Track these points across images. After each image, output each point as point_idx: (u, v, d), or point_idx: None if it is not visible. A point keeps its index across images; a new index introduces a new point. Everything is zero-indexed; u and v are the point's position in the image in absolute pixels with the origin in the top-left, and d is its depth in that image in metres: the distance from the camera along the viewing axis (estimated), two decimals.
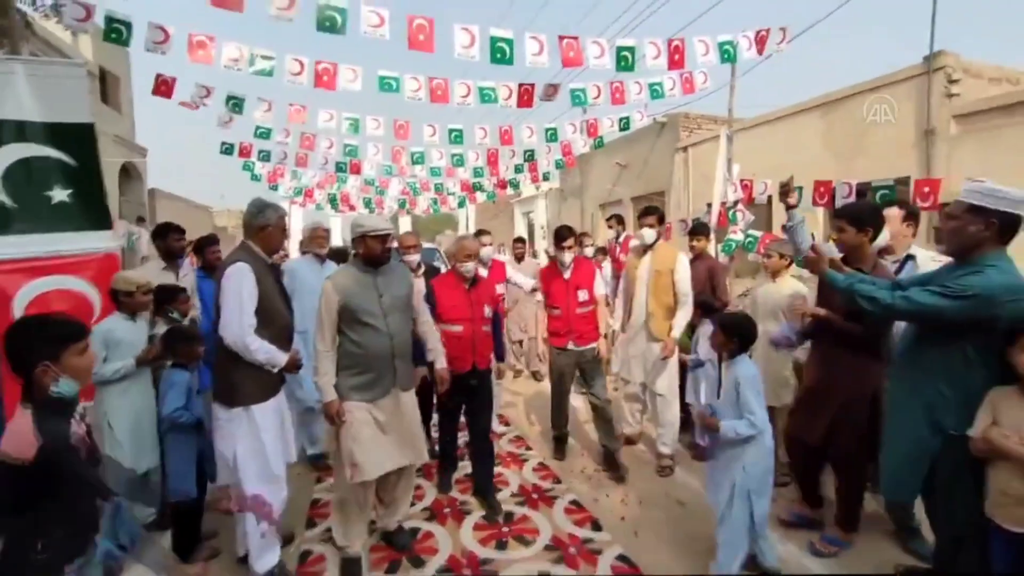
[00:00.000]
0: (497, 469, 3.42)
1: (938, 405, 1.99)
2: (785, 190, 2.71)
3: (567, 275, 3.50)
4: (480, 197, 10.37)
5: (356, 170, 6.84)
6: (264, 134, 5.46)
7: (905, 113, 6.76)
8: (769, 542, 2.37)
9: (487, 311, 3.12)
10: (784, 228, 2.75)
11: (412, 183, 8.60)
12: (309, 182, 8.50)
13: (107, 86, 13.44)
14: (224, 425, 2.33)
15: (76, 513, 1.38)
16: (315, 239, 3.73)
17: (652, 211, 3.47)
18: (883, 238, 2.73)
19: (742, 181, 4.86)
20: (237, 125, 5.31)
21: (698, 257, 3.98)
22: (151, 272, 3.25)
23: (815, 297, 2.78)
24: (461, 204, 11.44)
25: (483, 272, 3.97)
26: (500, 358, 3.24)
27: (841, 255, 2.45)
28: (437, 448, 3.51)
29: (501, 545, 2.70)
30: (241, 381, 2.29)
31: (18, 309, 2.80)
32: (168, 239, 3.36)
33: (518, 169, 8.02)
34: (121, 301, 2.70)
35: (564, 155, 7.02)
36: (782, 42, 4.12)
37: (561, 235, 3.50)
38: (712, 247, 4.69)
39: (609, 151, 12.87)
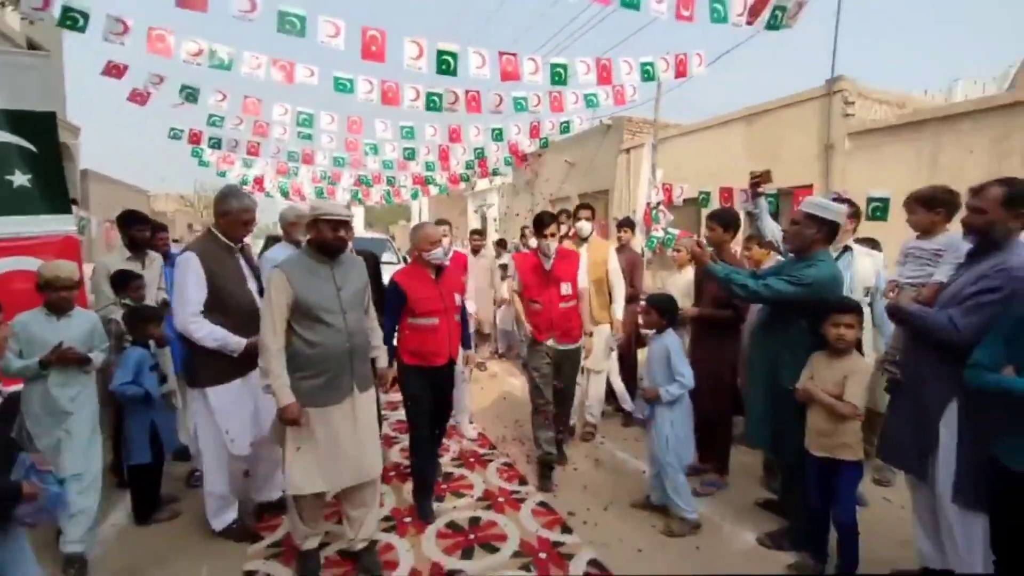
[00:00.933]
0: (460, 471, 3.38)
1: (780, 368, 2.58)
2: (757, 181, 2.88)
3: (548, 266, 3.21)
4: (433, 190, 10.69)
5: (308, 160, 7.02)
6: (216, 122, 5.56)
7: (810, 129, 7.65)
8: (686, 491, 2.74)
9: (458, 299, 2.94)
10: (749, 214, 2.98)
11: (364, 176, 8.80)
12: (260, 170, 8.53)
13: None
14: (189, 403, 2.61)
15: None
16: (297, 225, 3.39)
17: (586, 207, 3.84)
18: None
19: (664, 185, 5.47)
20: (187, 112, 5.40)
21: (621, 248, 4.50)
22: (115, 261, 3.25)
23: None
24: (414, 196, 11.70)
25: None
26: (468, 346, 3.05)
27: (711, 249, 3.02)
28: (407, 459, 3.18)
29: (467, 553, 2.52)
30: (198, 364, 2.44)
31: None
32: (131, 229, 3.30)
33: (468, 165, 8.40)
34: (48, 296, 2.43)
35: (511, 153, 7.48)
36: (700, 65, 4.72)
37: (543, 221, 3.19)
38: (638, 244, 5.29)
39: (559, 149, 13.47)
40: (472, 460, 3.57)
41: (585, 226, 3.83)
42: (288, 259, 2.28)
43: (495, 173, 9.12)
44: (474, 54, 3.59)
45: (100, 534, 2.59)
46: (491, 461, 3.55)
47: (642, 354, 4.11)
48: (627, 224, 4.61)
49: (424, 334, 2.79)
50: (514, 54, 3.71)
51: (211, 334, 2.39)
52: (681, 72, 4.55)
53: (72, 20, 3.37)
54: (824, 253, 2.54)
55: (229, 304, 2.45)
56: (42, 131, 3.12)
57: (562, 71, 3.96)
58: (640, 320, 3.07)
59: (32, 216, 3.10)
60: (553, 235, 3.17)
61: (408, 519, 2.82)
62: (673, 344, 2.76)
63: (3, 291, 2.86)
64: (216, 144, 6.62)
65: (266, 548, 2.58)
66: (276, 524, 2.76)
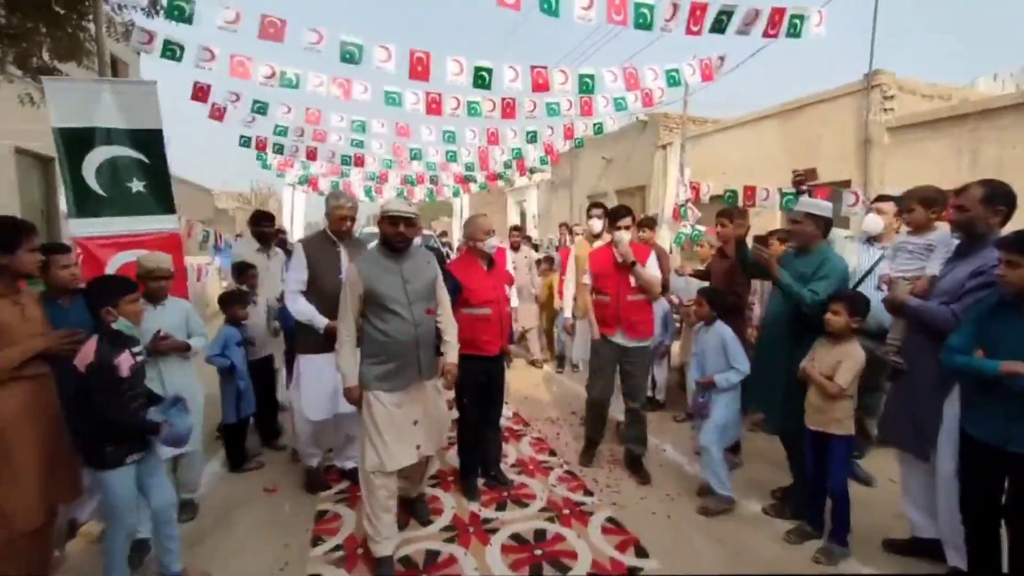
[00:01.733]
0: (519, 478, 3.25)
1: (792, 352, 2.79)
2: (801, 178, 3.06)
3: (620, 258, 3.19)
4: (473, 188, 11.21)
5: (360, 163, 7.67)
6: (281, 131, 6.25)
7: (848, 124, 7.62)
8: (724, 470, 2.89)
9: (506, 290, 3.10)
10: (790, 217, 3.00)
11: (409, 176, 9.42)
12: (315, 171, 9.30)
13: (117, 71, 14.07)
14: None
15: (124, 421, 2.02)
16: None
17: (598, 205, 4.12)
18: (878, 227, 3.26)
19: (691, 183, 5.72)
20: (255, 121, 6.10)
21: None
22: (246, 253, 3.93)
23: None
24: (456, 193, 12.27)
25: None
26: (511, 340, 3.13)
27: (721, 244, 3.32)
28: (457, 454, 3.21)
29: (536, 568, 2.44)
30: (297, 333, 3.00)
31: (111, 271, 3.63)
32: (259, 226, 3.97)
33: (507, 164, 8.84)
34: (144, 286, 2.61)
35: (546, 153, 7.87)
36: (721, 67, 4.96)
37: (617, 213, 3.25)
38: (666, 239, 5.57)
39: (596, 146, 13.69)
40: (532, 467, 3.44)
41: (596, 223, 4.03)
42: (364, 255, 2.52)
43: (532, 171, 9.52)
44: (508, 68, 4.02)
45: (204, 477, 3.16)
46: (551, 470, 3.38)
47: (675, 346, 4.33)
48: (646, 223, 4.87)
49: (478, 323, 2.87)
50: (544, 67, 4.11)
51: (301, 310, 2.83)
52: (707, 75, 4.81)
53: (171, 51, 4.02)
54: (824, 245, 2.81)
55: (323, 289, 2.83)
56: (153, 145, 3.77)
57: (590, 80, 4.32)
58: (692, 312, 3.11)
59: (147, 216, 3.76)
60: (628, 227, 3.19)
61: (471, 529, 2.74)
62: (727, 334, 2.91)
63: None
64: (279, 150, 7.36)
65: (335, 494, 3.07)
66: (334, 528, 2.80)
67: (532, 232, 17.59)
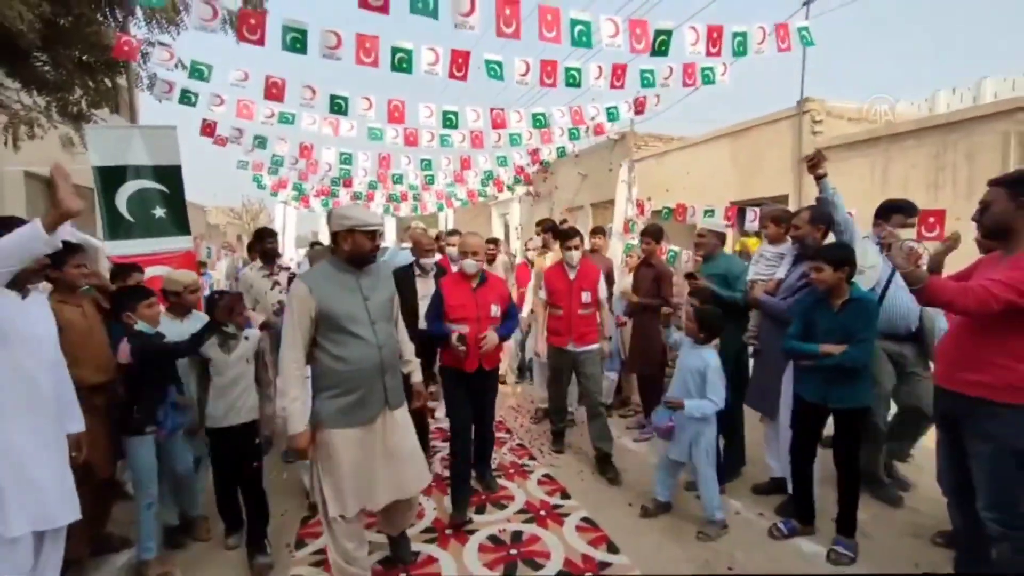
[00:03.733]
0: (530, 529, 3.00)
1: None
2: (814, 161, 2.86)
3: (572, 276, 3.58)
4: (456, 203, 12.04)
5: (348, 184, 8.48)
6: (278, 161, 7.03)
7: (785, 145, 8.56)
8: (716, 493, 2.85)
9: (494, 311, 2.98)
10: (819, 200, 2.92)
11: (394, 194, 10.24)
12: (306, 190, 10.09)
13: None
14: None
15: (156, 389, 2.47)
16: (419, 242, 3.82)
17: (543, 221, 4.91)
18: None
19: (637, 200, 6.56)
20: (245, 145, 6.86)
21: (595, 251, 5.35)
22: (251, 276, 3.92)
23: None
24: (440, 208, 13.09)
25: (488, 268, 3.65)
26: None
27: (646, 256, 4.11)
28: (447, 470, 3.21)
29: (511, 568, 2.52)
30: None
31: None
32: (264, 243, 3.97)
33: (483, 183, 9.70)
34: (171, 302, 2.82)
35: (517, 173, 8.72)
36: (657, 104, 5.83)
37: (567, 234, 3.58)
38: (616, 250, 6.34)
39: (574, 162, 14.62)
40: (512, 472, 3.59)
41: (537, 240, 4.83)
42: (312, 269, 2.31)
43: (510, 188, 10.39)
44: (471, 111, 4.84)
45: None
46: (531, 472, 3.56)
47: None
48: (599, 232, 5.45)
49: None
50: (502, 108, 4.94)
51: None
52: (640, 111, 5.68)
53: (188, 99, 4.80)
54: (721, 251, 3.71)
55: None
56: (173, 179, 4.51)
57: (542, 118, 5.15)
58: (683, 326, 3.05)
59: (168, 237, 4.49)
60: (577, 247, 3.53)
61: (450, 531, 2.84)
62: (713, 361, 2.79)
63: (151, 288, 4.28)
64: (274, 171, 8.13)
65: (310, 555, 2.68)
66: (319, 532, 2.74)
67: (515, 243, 18.46)
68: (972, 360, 2.07)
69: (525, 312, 4.57)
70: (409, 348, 2.50)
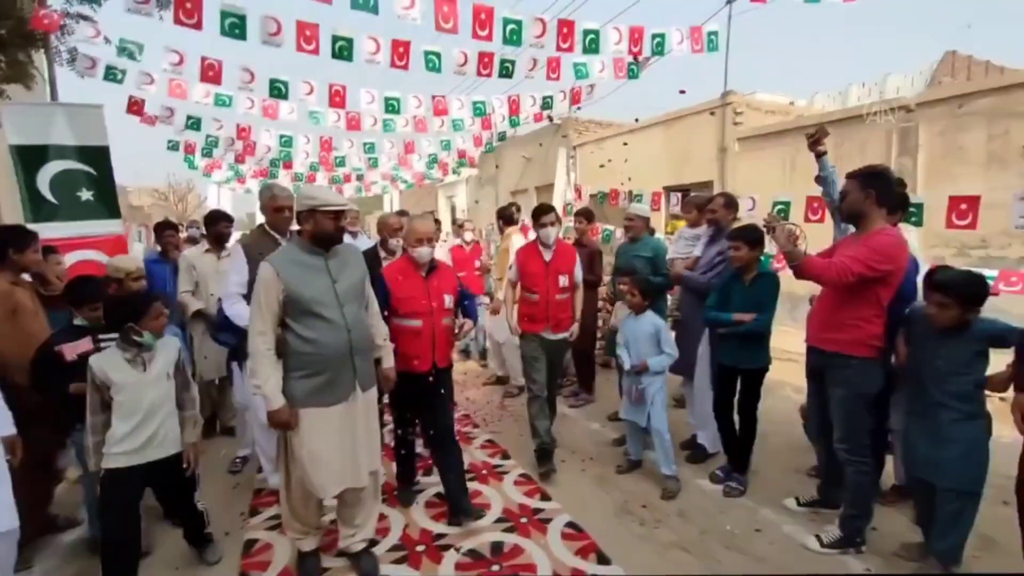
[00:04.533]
0: (473, 486, 3.06)
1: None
2: (816, 138, 2.77)
3: (548, 257, 3.26)
4: (401, 185, 12.00)
5: (288, 166, 8.29)
6: (214, 143, 6.80)
7: (710, 134, 9.22)
8: (670, 452, 3.10)
9: (447, 301, 2.73)
10: (817, 179, 2.86)
11: (336, 176, 10.09)
12: (243, 172, 9.74)
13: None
14: (238, 382, 3.22)
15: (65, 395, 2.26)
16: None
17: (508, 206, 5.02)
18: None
19: (576, 186, 6.94)
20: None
21: (580, 240, 5.50)
22: (195, 254, 3.76)
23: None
24: (385, 191, 12.98)
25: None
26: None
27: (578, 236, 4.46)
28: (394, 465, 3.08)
29: None
30: (241, 340, 2.57)
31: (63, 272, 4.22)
32: (218, 225, 3.77)
33: (429, 165, 9.77)
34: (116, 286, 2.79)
35: (460, 156, 8.87)
36: (591, 93, 6.17)
37: (539, 211, 3.25)
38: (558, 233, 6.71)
39: (518, 145, 14.82)
40: (485, 473, 3.37)
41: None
42: (279, 251, 2.20)
43: (455, 172, 10.50)
44: (413, 97, 4.96)
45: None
46: (506, 473, 3.35)
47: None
48: (585, 215, 4.94)
49: (405, 336, 2.63)
50: (444, 96, 5.10)
51: (240, 312, 2.58)
52: (576, 101, 6.00)
53: (113, 76, 4.62)
54: (646, 234, 4.12)
55: None
56: (100, 159, 4.36)
57: (482, 106, 5.35)
58: (627, 300, 3.21)
59: (95, 220, 4.34)
60: (552, 224, 3.21)
61: (421, 547, 2.58)
62: (659, 322, 3.14)
63: (77, 272, 4.15)
64: (208, 153, 7.84)
65: (264, 520, 2.76)
66: (272, 501, 2.88)
67: (447, 226, 18.50)
68: (833, 323, 2.54)
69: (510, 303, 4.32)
70: (382, 331, 2.44)
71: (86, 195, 4.33)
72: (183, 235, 4.38)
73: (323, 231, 2.11)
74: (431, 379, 2.71)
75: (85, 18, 4.19)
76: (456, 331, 2.86)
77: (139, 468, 2.09)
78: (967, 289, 2.11)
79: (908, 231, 2.90)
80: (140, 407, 2.07)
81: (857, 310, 2.45)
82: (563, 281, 3.28)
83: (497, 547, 2.57)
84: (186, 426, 2.25)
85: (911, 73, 14.19)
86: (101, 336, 2.32)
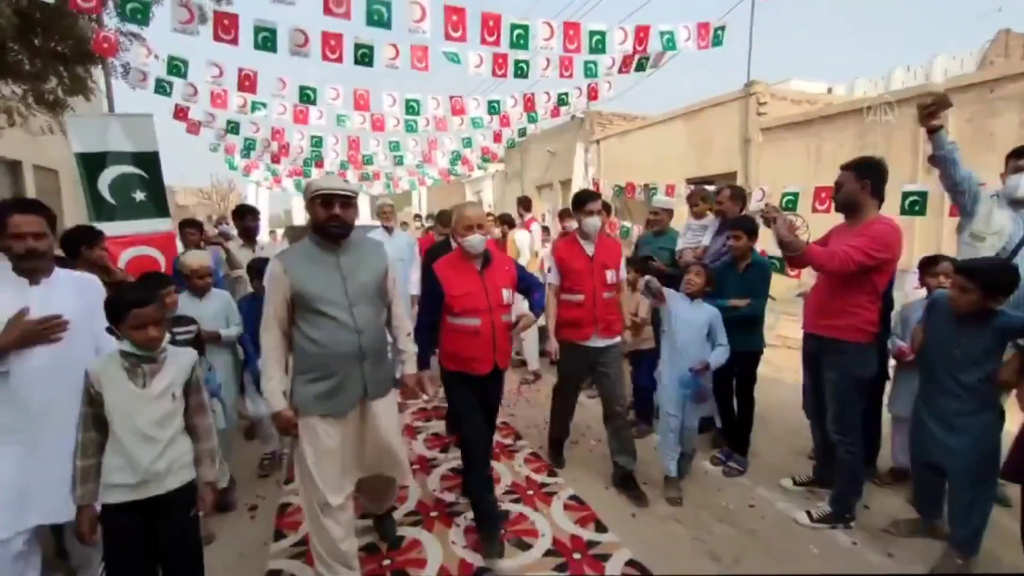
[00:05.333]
0: (515, 508, 2.85)
1: None
2: (931, 110, 2.30)
3: (591, 251, 2.91)
4: (428, 181, 12.37)
5: (320, 165, 8.75)
6: (251, 145, 7.27)
7: (733, 125, 9.15)
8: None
9: (506, 296, 2.49)
10: (932, 159, 2.49)
11: (366, 172, 10.53)
12: (278, 172, 10.27)
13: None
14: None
15: None
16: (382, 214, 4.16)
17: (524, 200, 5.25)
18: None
19: (593, 180, 7.07)
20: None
21: (565, 234, 5.78)
22: (232, 249, 3.95)
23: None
24: (412, 186, 13.39)
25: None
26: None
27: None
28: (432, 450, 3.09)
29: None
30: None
31: (122, 265, 4.69)
32: (244, 219, 3.96)
33: (452, 162, 10.06)
34: (186, 282, 2.88)
35: (483, 153, 9.12)
36: (610, 90, 6.29)
37: (582, 199, 2.91)
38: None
39: (543, 140, 15.01)
40: (497, 451, 3.38)
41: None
42: (291, 247, 2.10)
43: (480, 167, 10.78)
44: (431, 99, 5.22)
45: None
46: (517, 452, 3.47)
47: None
48: (566, 214, 5.65)
49: (463, 337, 2.42)
50: (460, 96, 5.33)
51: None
52: (593, 97, 6.13)
53: (163, 88, 5.05)
54: (671, 229, 4.22)
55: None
56: (151, 164, 4.79)
57: (497, 104, 5.56)
58: (687, 284, 2.90)
59: (148, 219, 4.79)
60: (599, 212, 2.87)
61: (434, 514, 2.74)
62: (715, 311, 2.86)
63: (134, 267, 4.60)
64: (247, 154, 8.34)
65: (289, 547, 2.51)
66: (299, 520, 2.65)
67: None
68: (830, 310, 2.65)
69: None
70: (404, 333, 2.30)
71: (140, 196, 4.76)
72: (214, 231, 4.51)
73: (316, 220, 1.97)
74: (490, 382, 2.52)
75: (136, 36, 4.63)
76: (513, 324, 2.54)
77: (141, 506, 1.65)
78: (990, 275, 2.09)
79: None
80: (136, 432, 1.64)
81: (854, 297, 2.55)
82: (610, 277, 2.93)
83: (503, 515, 2.73)
84: (202, 461, 1.80)
85: (960, 54, 13.57)
86: (176, 329, 2.38)
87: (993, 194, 2.62)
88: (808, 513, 2.71)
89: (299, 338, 1.98)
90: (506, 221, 5.19)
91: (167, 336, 1.80)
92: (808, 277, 3.32)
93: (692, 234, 4.12)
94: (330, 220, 1.95)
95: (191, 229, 4.40)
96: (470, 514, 2.67)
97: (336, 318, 1.95)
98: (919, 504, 2.60)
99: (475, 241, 2.40)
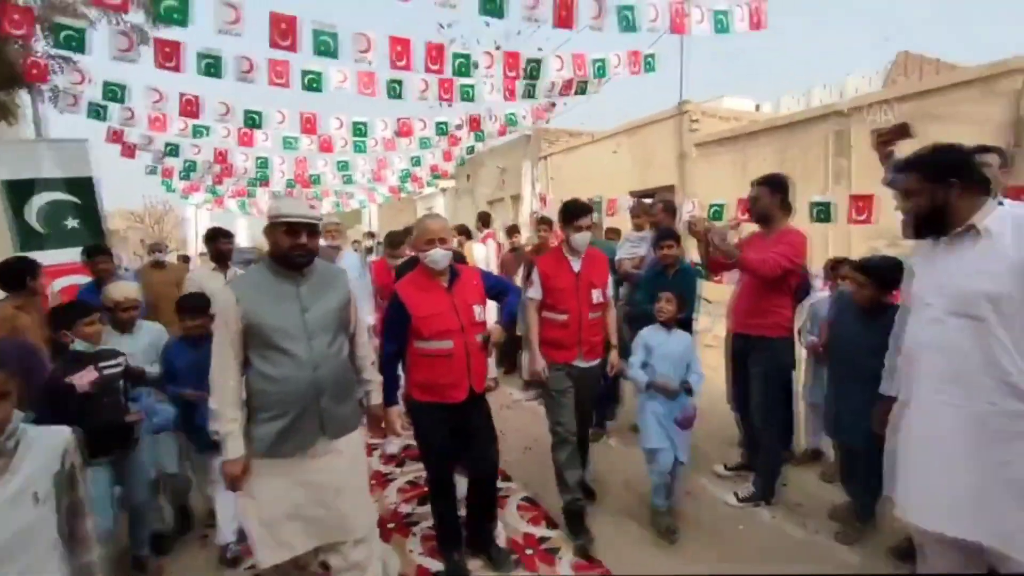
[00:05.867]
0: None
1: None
2: (887, 138, 2.36)
3: (577, 267, 2.72)
4: (378, 198, 12.35)
5: (266, 185, 8.60)
6: (192, 167, 7.09)
7: (670, 141, 9.74)
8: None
9: (477, 313, 2.31)
10: (888, 184, 2.36)
11: (316, 192, 10.43)
12: (221, 193, 9.99)
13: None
14: None
15: (87, 426, 1.63)
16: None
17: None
18: None
19: (541, 195, 7.35)
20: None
21: (513, 250, 5.72)
22: (203, 274, 3.76)
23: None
24: (362, 204, 13.32)
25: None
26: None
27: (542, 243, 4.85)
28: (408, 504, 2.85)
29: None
30: None
31: (53, 296, 4.48)
32: (216, 242, 3.67)
33: (403, 179, 10.14)
34: (110, 317, 2.60)
35: (432, 171, 9.28)
36: (552, 110, 6.61)
37: (574, 212, 2.68)
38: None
39: (494, 156, 15.30)
40: (528, 550, 2.63)
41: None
42: (245, 273, 2.01)
43: (430, 184, 10.90)
44: (380, 121, 5.34)
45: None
46: (507, 499, 3.02)
47: None
48: (514, 230, 5.54)
49: (434, 362, 2.23)
50: (408, 118, 5.49)
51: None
52: (540, 116, 6.43)
53: (96, 112, 4.91)
54: (602, 240, 4.49)
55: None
56: (85, 190, 4.64)
57: (444, 126, 5.75)
58: (659, 313, 2.75)
59: (79, 248, 4.61)
60: (589, 228, 2.67)
61: (391, 525, 2.58)
62: (689, 340, 2.81)
63: (65, 296, 4.41)
64: (186, 176, 8.09)
65: (244, 571, 2.40)
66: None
67: None
68: (756, 310, 2.96)
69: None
70: (368, 364, 2.14)
71: (72, 223, 4.60)
72: (147, 260, 3.89)
73: (278, 249, 1.81)
74: (466, 410, 2.29)
75: (67, 60, 4.49)
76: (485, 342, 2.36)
77: None
78: (882, 272, 2.39)
79: None
80: None
81: (775, 298, 2.88)
82: (596, 296, 2.72)
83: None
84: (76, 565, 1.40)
85: (868, 74, 15.02)
86: (102, 364, 2.21)
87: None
88: (735, 494, 2.98)
89: (252, 375, 1.83)
90: (463, 232, 5.30)
91: (15, 416, 1.29)
92: (730, 284, 3.67)
93: (630, 245, 4.40)
94: (294, 249, 1.79)
95: (102, 257, 3.76)
96: (428, 522, 2.63)
97: (292, 352, 1.80)
98: (844, 481, 2.81)
99: (437, 256, 2.21)
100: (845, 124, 7.07)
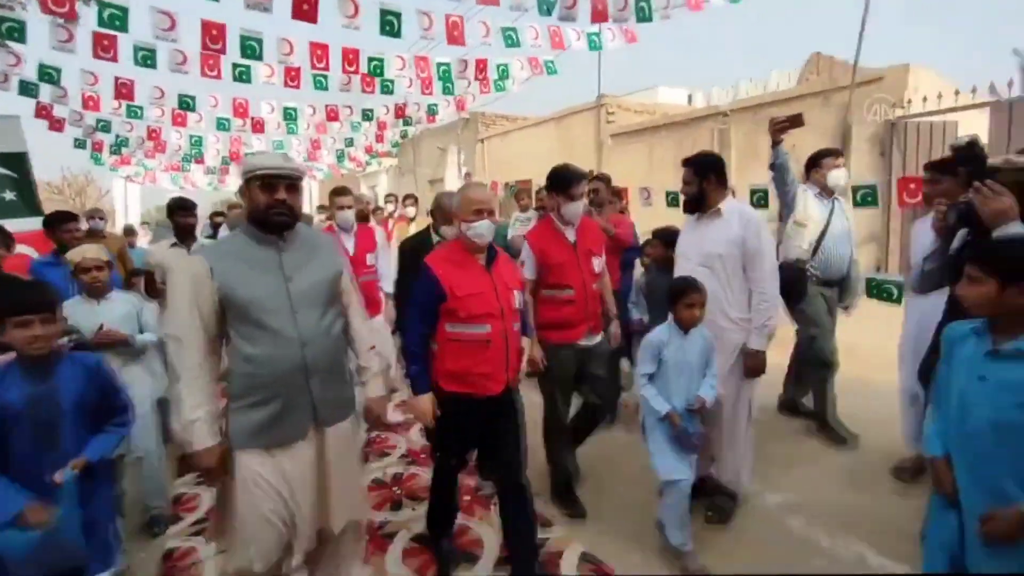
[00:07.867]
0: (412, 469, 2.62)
1: None
2: (781, 126, 2.67)
3: (573, 238, 2.51)
4: (319, 175, 12.62)
5: (200, 162, 8.79)
6: (124, 143, 7.24)
7: (590, 131, 10.68)
8: None
9: (516, 299, 2.07)
10: (772, 166, 2.86)
11: None
12: (152, 167, 10.01)
13: None
14: None
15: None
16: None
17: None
18: (842, 180, 3.08)
19: (467, 174, 8.07)
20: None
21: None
22: (161, 249, 3.44)
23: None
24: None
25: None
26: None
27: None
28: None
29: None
30: None
31: None
32: (175, 216, 3.40)
33: (339, 159, 10.54)
34: (77, 281, 2.39)
35: (367, 152, 9.76)
36: (473, 101, 7.29)
37: (567, 179, 2.43)
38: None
39: (434, 136, 15.74)
40: (424, 456, 2.85)
41: (411, 210, 5.56)
42: (219, 241, 1.77)
43: (368, 163, 11.32)
44: (308, 107, 5.85)
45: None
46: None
47: None
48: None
49: (470, 349, 1.98)
50: (336, 105, 6.01)
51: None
52: (461, 107, 7.10)
53: (29, 90, 5.15)
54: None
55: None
56: (19, 164, 4.91)
57: (370, 114, 6.32)
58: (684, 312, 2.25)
59: (20, 219, 4.90)
60: (583, 195, 2.46)
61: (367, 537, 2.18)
62: (710, 340, 2.27)
63: (9, 266, 4.75)
64: (116, 151, 8.18)
65: (189, 526, 2.39)
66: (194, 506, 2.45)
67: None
68: None
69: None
70: (365, 346, 1.87)
71: (9, 196, 4.88)
72: (83, 227, 3.66)
73: (255, 210, 1.59)
74: (500, 404, 2.03)
75: (2, 44, 4.68)
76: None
77: None
78: (669, 236, 2.86)
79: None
80: None
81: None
82: (598, 265, 2.57)
83: (398, 476, 2.79)
84: None
85: (788, 70, 16.55)
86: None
87: (805, 187, 3.11)
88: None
89: (231, 356, 1.60)
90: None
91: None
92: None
93: (521, 225, 5.21)
94: (272, 206, 1.56)
95: (71, 223, 3.49)
96: (407, 531, 2.41)
97: (275, 328, 1.56)
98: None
99: (483, 228, 1.93)
100: (727, 123, 8.21)
